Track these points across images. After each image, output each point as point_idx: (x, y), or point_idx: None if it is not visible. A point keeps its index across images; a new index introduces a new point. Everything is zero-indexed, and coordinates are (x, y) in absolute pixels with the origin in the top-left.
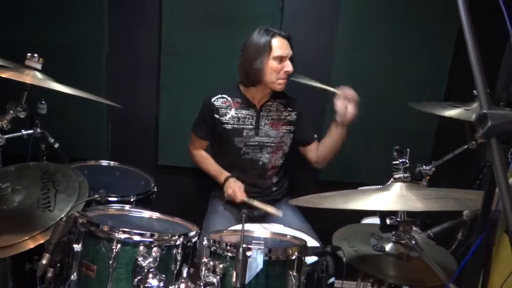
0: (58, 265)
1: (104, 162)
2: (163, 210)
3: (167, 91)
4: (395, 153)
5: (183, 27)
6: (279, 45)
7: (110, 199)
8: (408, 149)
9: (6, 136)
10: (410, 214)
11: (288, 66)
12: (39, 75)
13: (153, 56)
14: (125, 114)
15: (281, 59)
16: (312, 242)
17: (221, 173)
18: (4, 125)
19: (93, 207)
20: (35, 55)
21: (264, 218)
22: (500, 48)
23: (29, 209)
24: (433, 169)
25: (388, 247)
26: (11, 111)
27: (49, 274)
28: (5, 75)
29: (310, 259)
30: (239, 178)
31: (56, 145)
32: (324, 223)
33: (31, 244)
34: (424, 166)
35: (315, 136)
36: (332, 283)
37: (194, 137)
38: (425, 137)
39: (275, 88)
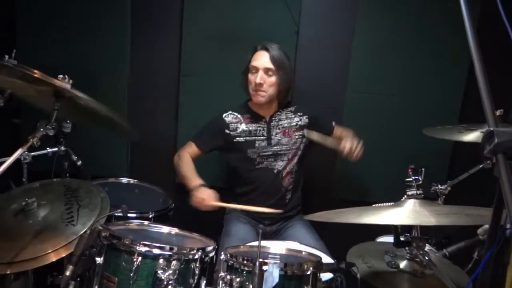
0: (78, 279)
1: (124, 180)
2: (180, 226)
3: (185, 111)
4: (410, 173)
5: (201, 49)
6: (254, 58)
7: (129, 215)
8: (423, 169)
9: (33, 153)
10: (425, 233)
11: (256, 78)
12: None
13: (173, 77)
14: (145, 133)
15: (255, 70)
16: (326, 259)
17: (194, 179)
18: (35, 142)
19: (114, 223)
20: (66, 76)
21: (278, 233)
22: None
23: (53, 224)
24: (449, 188)
25: (403, 264)
26: (42, 129)
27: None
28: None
29: (325, 276)
30: (254, 188)
31: (79, 163)
32: (338, 241)
33: (53, 257)
34: (439, 186)
35: (333, 123)
36: None
37: (191, 144)
38: (441, 158)
39: (253, 100)
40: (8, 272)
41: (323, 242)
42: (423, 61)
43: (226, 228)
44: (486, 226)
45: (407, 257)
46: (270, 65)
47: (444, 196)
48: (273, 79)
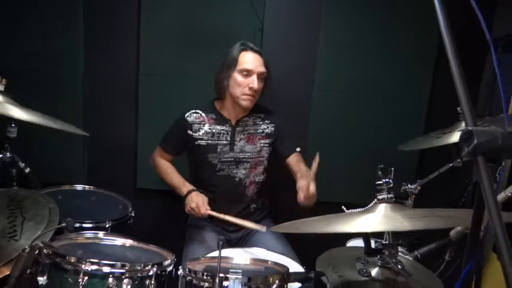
0: None
1: (79, 187)
2: (141, 235)
3: (145, 112)
4: (380, 172)
5: (161, 47)
6: (246, 59)
7: (84, 225)
8: (392, 168)
9: None
10: (396, 235)
11: (252, 83)
12: (0, 98)
13: (131, 77)
14: (103, 137)
15: (247, 73)
16: (295, 267)
17: (184, 185)
18: None
19: (64, 235)
20: None
21: (244, 240)
22: (481, 60)
23: None
24: (419, 188)
25: (374, 271)
26: None
27: None
28: None
29: (294, 286)
30: (216, 196)
31: (27, 170)
32: (308, 246)
33: None
34: (409, 185)
35: (297, 149)
36: None
37: (160, 149)
38: (410, 156)
39: (240, 103)
40: None
41: (290, 248)
42: (390, 59)
43: (190, 236)
44: (459, 228)
45: (379, 263)
46: (264, 69)
47: (414, 196)
48: (262, 84)
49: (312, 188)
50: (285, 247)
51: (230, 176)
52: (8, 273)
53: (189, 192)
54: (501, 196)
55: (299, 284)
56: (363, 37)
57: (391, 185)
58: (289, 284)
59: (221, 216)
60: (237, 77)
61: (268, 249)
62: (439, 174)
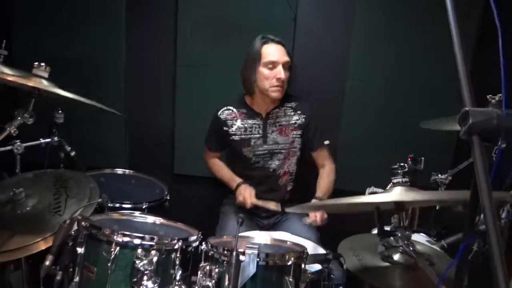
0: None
1: (120, 170)
2: (176, 217)
3: (182, 101)
4: (410, 162)
5: (198, 38)
6: (269, 51)
7: (123, 205)
8: (422, 158)
9: (25, 144)
10: (424, 223)
11: (279, 73)
12: (45, 82)
13: (170, 67)
14: (143, 124)
15: (272, 65)
16: (318, 251)
17: (233, 180)
18: (12, 131)
19: (105, 213)
20: (42, 64)
21: (275, 226)
22: None
23: (41, 213)
24: (449, 178)
25: (396, 256)
26: (19, 118)
27: (58, 277)
28: (12, 78)
29: (314, 267)
30: (253, 186)
31: (73, 153)
32: (335, 233)
33: (42, 246)
34: (439, 175)
35: (326, 142)
36: None
37: (206, 150)
38: (445, 146)
39: (270, 95)
40: None
41: (318, 234)
42: (426, 49)
43: (221, 222)
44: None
45: (400, 250)
46: (288, 58)
47: (444, 186)
48: (288, 73)
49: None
50: (312, 233)
51: (265, 168)
52: None
53: (238, 185)
54: None
55: (319, 266)
56: (397, 27)
57: (406, 169)
58: (310, 265)
59: (266, 206)
60: (263, 70)
61: (294, 233)
62: (470, 164)
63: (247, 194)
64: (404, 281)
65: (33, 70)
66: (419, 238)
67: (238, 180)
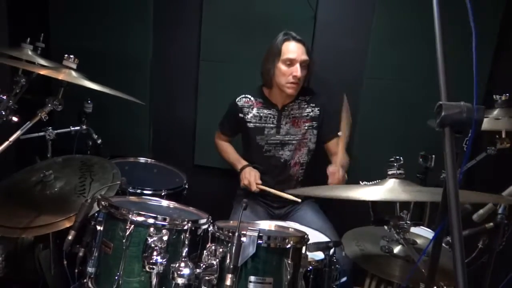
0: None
1: (142, 159)
2: (193, 205)
3: (204, 95)
4: (420, 159)
5: (220, 34)
6: (289, 49)
7: (144, 191)
8: (433, 156)
9: (56, 131)
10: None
11: (296, 71)
12: (74, 73)
13: (193, 62)
14: (166, 116)
15: (290, 62)
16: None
17: (239, 162)
18: (43, 116)
19: (121, 196)
20: (71, 56)
21: (287, 216)
22: None
23: (67, 194)
24: (460, 176)
25: (396, 249)
26: (49, 104)
27: (80, 254)
28: (43, 72)
29: (318, 256)
30: (264, 175)
31: (99, 141)
32: (349, 226)
33: (67, 224)
34: None
35: (339, 133)
36: (344, 282)
37: (218, 132)
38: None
39: (285, 91)
40: (23, 236)
41: (331, 225)
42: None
43: (234, 210)
44: (481, 211)
45: (401, 241)
46: (306, 57)
47: None
48: (305, 71)
49: (340, 174)
50: (324, 223)
51: (276, 157)
52: None
53: (243, 168)
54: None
55: (323, 255)
56: (415, 25)
57: (401, 162)
58: (314, 254)
59: (269, 189)
60: (281, 66)
61: (305, 224)
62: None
63: (252, 178)
64: (404, 272)
65: (63, 62)
66: (425, 232)
67: (244, 163)
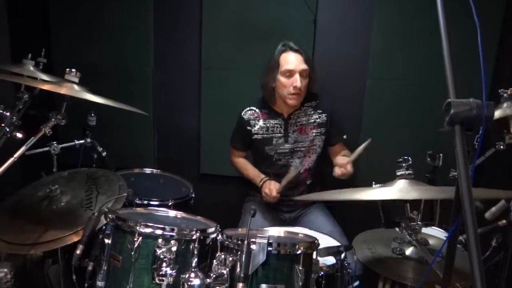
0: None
1: (148, 170)
2: (201, 214)
3: (207, 103)
4: (428, 159)
5: (221, 42)
6: (286, 60)
7: (151, 202)
8: (441, 154)
9: (61, 145)
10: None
11: (296, 82)
12: (76, 87)
13: (195, 71)
14: (171, 126)
15: (289, 74)
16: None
17: (258, 176)
18: (47, 131)
19: (128, 208)
20: (73, 70)
21: (297, 220)
22: None
23: (74, 208)
24: None
25: (408, 251)
26: (53, 119)
27: (90, 268)
28: (45, 87)
29: (329, 261)
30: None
31: (104, 154)
32: (359, 229)
33: (75, 238)
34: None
35: (344, 137)
36: (357, 286)
37: (232, 149)
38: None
39: (288, 103)
40: (31, 252)
41: (340, 229)
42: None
43: (243, 217)
44: (494, 209)
45: (413, 243)
46: (305, 66)
47: None
48: (305, 80)
49: (349, 168)
50: (334, 227)
51: (287, 165)
52: None
53: (263, 181)
54: None
55: (334, 260)
56: (416, 25)
57: (410, 162)
58: (324, 259)
59: (287, 180)
60: (281, 78)
61: (315, 229)
62: (486, 159)
63: (272, 186)
64: (417, 274)
65: (65, 76)
66: (436, 232)
67: (263, 176)
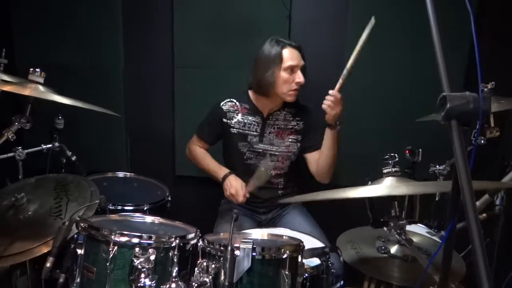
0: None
1: (121, 174)
2: (178, 218)
3: (181, 103)
4: (407, 154)
5: (193, 39)
6: (289, 56)
7: (125, 208)
8: (420, 150)
9: (26, 150)
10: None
11: (299, 77)
12: (41, 88)
13: (167, 70)
14: (144, 127)
15: (292, 69)
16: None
17: (220, 169)
18: (10, 136)
19: (101, 215)
20: (37, 69)
21: (274, 221)
22: None
23: (42, 218)
24: (448, 168)
25: (393, 249)
26: (16, 123)
27: (61, 280)
28: (7, 88)
29: (313, 262)
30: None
31: (73, 158)
32: (338, 228)
33: (44, 249)
34: (437, 166)
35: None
36: (341, 286)
37: (197, 138)
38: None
39: (286, 99)
40: None
41: (319, 229)
42: (422, 45)
43: (218, 220)
44: (478, 203)
45: (404, 243)
46: (304, 62)
47: (443, 177)
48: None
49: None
50: (313, 228)
51: (256, 165)
52: None
53: (226, 176)
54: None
55: (318, 261)
56: (391, 19)
57: (396, 159)
58: (309, 260)
59: (255, 183)
60: (283, 74)
61: (294, 229)
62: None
63: (238, 187)
64: (402, 272)
65: (29, 76)
66: (419, 229)
67: (226, 170)
